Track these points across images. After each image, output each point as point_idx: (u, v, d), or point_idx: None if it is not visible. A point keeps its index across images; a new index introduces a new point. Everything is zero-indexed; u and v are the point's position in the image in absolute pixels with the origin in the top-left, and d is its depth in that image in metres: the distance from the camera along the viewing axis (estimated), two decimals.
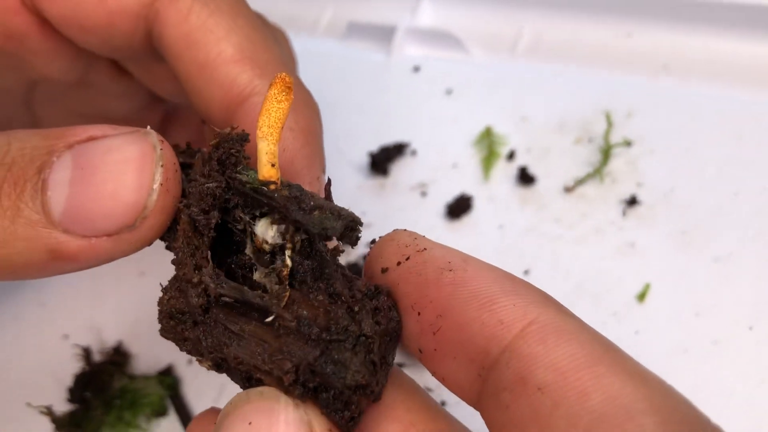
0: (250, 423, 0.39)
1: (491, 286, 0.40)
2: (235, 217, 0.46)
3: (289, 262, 0.44)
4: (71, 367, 0.82)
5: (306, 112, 0.59)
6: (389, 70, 1.02)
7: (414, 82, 0.99)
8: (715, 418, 0.68)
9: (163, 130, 0.82)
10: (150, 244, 0.47)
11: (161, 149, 0.46)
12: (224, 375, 0.74)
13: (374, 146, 0.92)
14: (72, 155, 0.44)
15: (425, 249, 0.44)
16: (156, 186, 0.45)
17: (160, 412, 0.78)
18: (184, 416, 0.77)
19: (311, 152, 0.59)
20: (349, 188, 0.90)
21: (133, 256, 0.89)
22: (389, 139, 0.93)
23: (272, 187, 0.45)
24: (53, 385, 0.82)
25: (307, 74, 1.03)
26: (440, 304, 0.41)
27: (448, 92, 0.96)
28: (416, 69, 1.00)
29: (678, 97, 0.88)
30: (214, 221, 0.45)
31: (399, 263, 0.44)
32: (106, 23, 0.57)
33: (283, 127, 0.46)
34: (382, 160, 0.90)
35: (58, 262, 0.44)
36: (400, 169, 0.90)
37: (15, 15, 0.59)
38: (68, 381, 0.81)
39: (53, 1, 0.57)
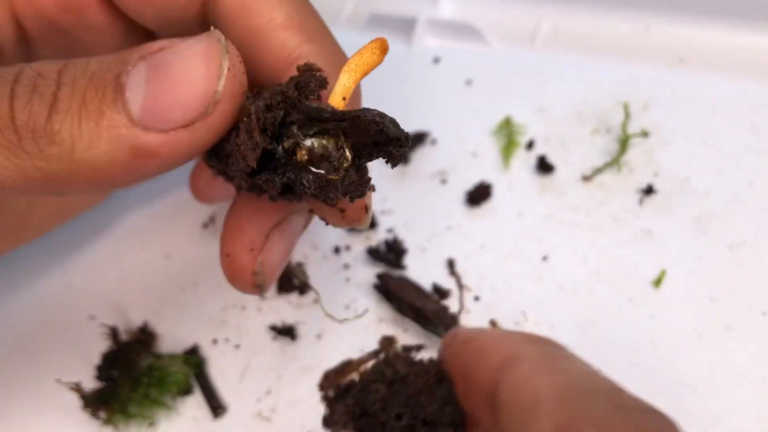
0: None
1: (490, 340, 0.47)
2: (288, 133, 0.50)
3: (349, 154, 0.49)
4: (98, 346, 0.84)
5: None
6: (410, 61, 1.03)
7: (434, 73, 1.01)
8: (727, 401, 0.69)
9: None
10: (221, 134, 0.50)
11: (225, 40, 0.49)
12: (246, 356, 0.77)
13: None
14: (146, 62, 0.48)
15: (456, 334, 0.51)
16: (224, 71, 0.48)
17: (186, 390, 0.80)
18: (209, 394, 0.79)
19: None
20: (371, 176, 0.92)
21: (157, 239, 0.92)
22: (410, 128, 0.95)
23: None
24: (81, 363, 0.84)
25: None
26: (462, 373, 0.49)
27: (468, 83, 0.98)
28: (436, 60, 1.02)
29: (694, 89, 0.89)
30: (278, 119, 0.49)
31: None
32: None
33: (365, 75, 0.51)
34: None
35: (140, 160, 0.47)
36: (420, 157, 0.92)
37: None
38: (95, 360, 0.83)
39: None
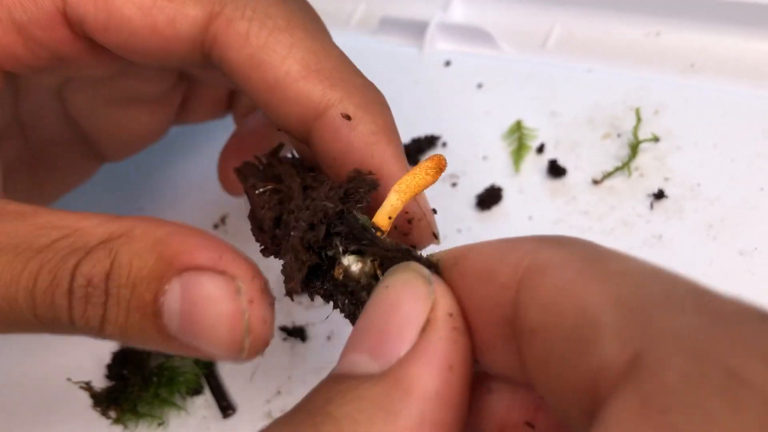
0: (387, 287, 0.42)
1: (490, 257, 0.40)
2: (332, 244, 0.50)
3: None
4: (108, 345, 0.84)
5: (384, 110, 0.60)
6: (421, 65, 1.04)
7: (445, 77, 1.01)
8: None
9: (183, 104, 0.85)
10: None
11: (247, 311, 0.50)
12: (256, 358, 0.77)
13: (406, 138, 0.94)
14: (180, 286, 0.49)
15: (438, 260, 0.46)
16: (246, 345, 0.49)
17: (196, 390, 0.80)
18: (219, 394, 0.79)
19: (396, 150, 0.60)
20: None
21: None
22: (421, 131, 0.95)
23: (378, 233, 0.49)
24: (91, 362, 0.84)
25: None
26: (461, 302, 0.42)
27: (479, 86, 0.98)
28: (448, 63, 1.02)
29: (706, 94, 0.89)
30: (321, 235, 0.50)
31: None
32: (160, 50, 0.59)
33: (415, 195, 0.51)
34: (414, 152, 0.92)
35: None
36: None
37: (65, 44, 0.60)
38: (106, 359, 0.83)
39: (107, 33, 0.58)
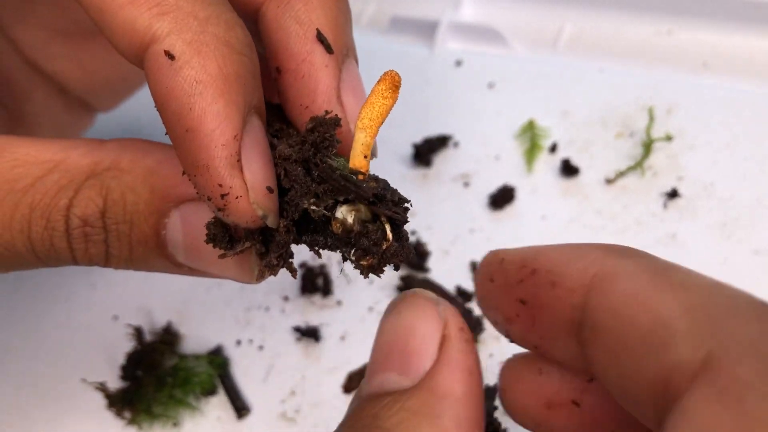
0: (399, 312, 0.46)
1: (558, 262, 0.43)
2: (320, 200, 0.49)
3: (390, 235, 0.47)
4: (122, 346, 0.84)
5: (226, 53, 0.48)
6: (432, 64, 1.04)
7: (456, 76, 1.01)
8: None
9: None
10: None
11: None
12: (270, 357, 0.77)
13: (417, 138, 0.94)
14: (180, 218, 0.50)
15: (503, 259, 0.47)
16: (256, 269, 0.51)
17: (210, 391, 0.80)
18: (233, 395, 0.79)
19: (342, 44, 0.55)
20: (394, 178, 0.91)
21: None
22: (432, 131, 0.95)
23: (360, 177, 0.47)
24: (105, 363, 0.84)
25: None
26: (527, 300, 0.45)
27: (490, 86, 0.98)
28: (458, 63, 1.02)
29: (718, 93, 0.89)
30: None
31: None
32: None
33: (381, 124, 0.47)
34: (426, 151, 0.92)
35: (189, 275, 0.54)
36: (443, 160, 0.92)
37: None
38: (119, 360, 0.83)
39: None
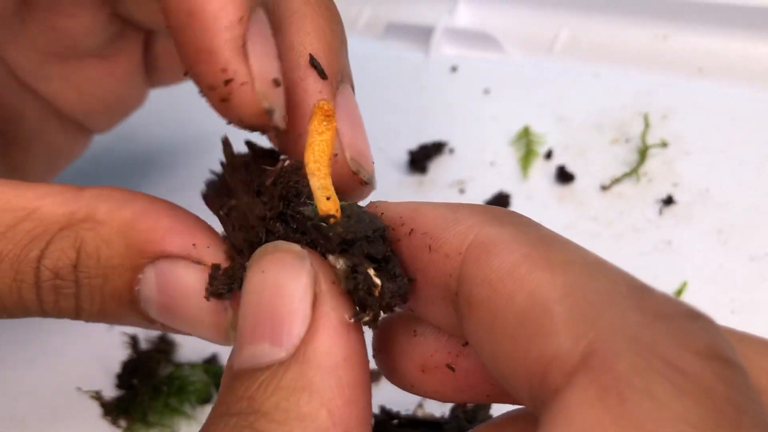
0: (263, 271, 0.42)
1: (435, 225, 0.41)
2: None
3: (377, 281, 0.43)
4: (118, 354, 0.84)
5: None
6: (427, 70, 1.04)
7: (452, 82, 1.01)
8: None
9: (148, 62, 0.78)
10: None
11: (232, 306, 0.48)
12: None
13: (413, 144, 0.94)
14: (155, 275, 0.47)
15: (382, 213, 0.45)
16: (232, 334, 0.48)
17: (206, 399, 0.80)
18: None
19: (336, 71, 0.54)
20: (389, 185, 0.92)
21: None
22: (427, 137, 0.95)
23: (332, 221, 0.44)
24: (100, 372, 0.84)
25: None
26: (404, 261, 0.43)
27: (486, 92, 0.98)
28: (454, 69, 1.02)
29: (714, 99, 0.89)
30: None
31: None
32: None
33: (331, 158, 0.44)
34: (421, 158, 0.92)
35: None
36: (438, 166, 0.92)
37: None
38: (115, 368, 0.83)
39: None
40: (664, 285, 0.76)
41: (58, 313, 0.49)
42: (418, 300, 0.43)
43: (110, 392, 0.81)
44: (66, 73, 0.74)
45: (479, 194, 0.88)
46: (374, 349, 0.48)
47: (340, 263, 0.43)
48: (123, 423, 0.79)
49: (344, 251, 0.43)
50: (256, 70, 0.45)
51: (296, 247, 0.43)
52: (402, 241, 0.43)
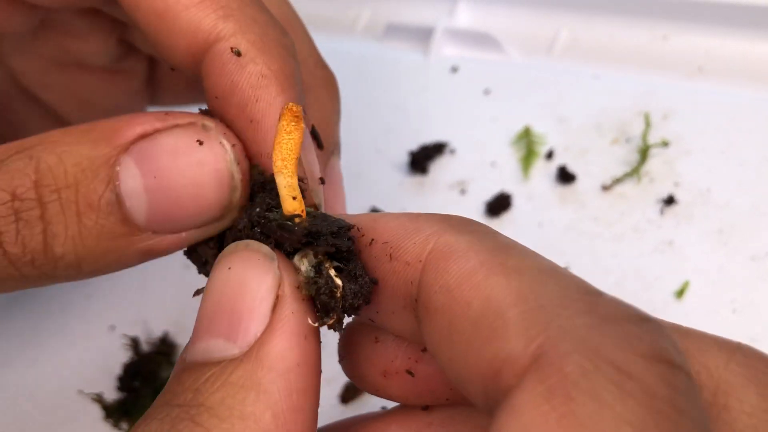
0: (229, 268, 0.42)
1: (396, 234, 0.42)
2: None
3: (338, 282, 0.43)
4: (119, 357, 0.84)
5: (284, 53, 0.52)
6: (427, 71, 1.03)
7: (452, 82, 1.01)
8: None
9: (151, 82, 0.79)
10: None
11: (231, 145, 0.47)
12: None
13: (413, 145, 0.94)
14: (134, 160, 0.44)
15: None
16: (237, 182, 0.46)
17: None
18: None
19: (331, 143, 0.58)
20: (390, 186, 0.92)
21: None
22: (428, 138, 0.95)
23: (297, 220, 0.45)
24: (102, 374, 0.84)
25: (345, 75, 1.05)
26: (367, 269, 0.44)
27: (486, 92, 0.98)
28: (454, 69, 1.02)
29: (714, 98, 0.89)
30: None
31: None
32: None
33: (298, 158, 0.45)
34: (422, 159, 0.92)
35: (150, 257, 0.47)
36: (439, 167, 0.92)
37: None
38: (116, 371, 0.83)
39: None
40: (666, 285, 0.76)
41: (22, 251, 0.43)
42: (379, 309, 0.43)
43: (112, 395, 0.82)
44: (69, 83, 0.74)
45: (480, 195, 0.88)
46: (339, 355, 0.49)
47: (304, 264, 0.43)
48: (125, 425, 0.79)
49: (309, 243, 0.43)
50: (309, 173, 0.49)
51: (266, 248, 0.43)
52: (363, 251, 0.43)
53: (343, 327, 0.44)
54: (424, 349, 0.45)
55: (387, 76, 1.05)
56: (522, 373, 0.32)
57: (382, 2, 1.12)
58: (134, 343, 0.84)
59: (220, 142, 0.46)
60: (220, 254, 0.44)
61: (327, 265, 0.43)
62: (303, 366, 0.40)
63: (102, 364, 0.85)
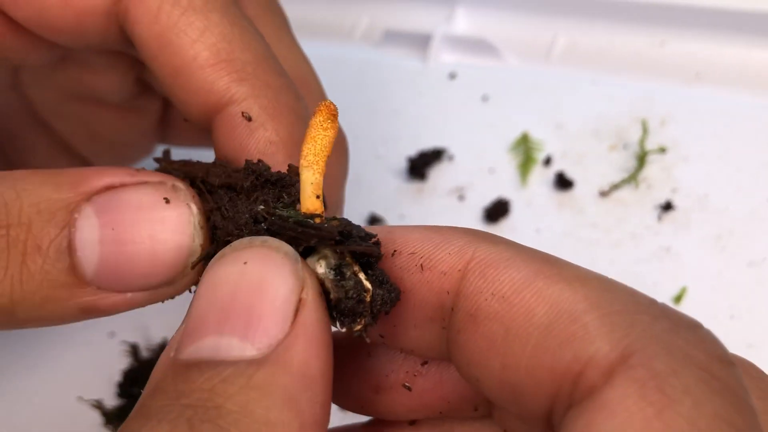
0: (245, 262, 0.40)
1: (423, 245, 0.42)
2: None
3: (368, 285, 0.42)
4: (119, 363, 0.84)
5: (293, 120, 0.53)
6: (425, 77, 1.04)
7: (450, 89, 1.01)
8: None
9: (164, 121, 0.80)
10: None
11: (198, 209, 0.45)
12: None
13: (412, 151, 0.94)
14: (94, 210, 0.43)
15: None
16: (197, 246, 0.44)
17: None
18: None
19: (334, 201, 0.58)
20: (388, 192, 0.92)
21: None
22: (426, 144, 0.95)
23: (317, 220, 0.43)
24: (101, 381, 0.84)
25: (344, 81, 1.05)
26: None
27: (484, 99, 0.98)
28: (452, 76, 1.02)
29: (711, 104, 0.89)
30: None
31: None
32: (74, 23, 0.54)
33: (328, 157, 0.44)
34: (420, 165, 0.92)
35: (90, 315, 0.45)
36: (437, 173, 0.92)
37: None
38: (116, 377, 0.83)
39: (17, 6, 0.54)
40: (664, 291, 0.76)
41: None
42: (398, 322, 0.43)
43: (111, 401, 0.82)
44: (83, 116, 0.75)
45: (478, 201, 0.88)
46: None
47: (321, 267, 0.42)
48: None
49: (339, 243, 0.42)
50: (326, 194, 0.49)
51: (287, 246, 0.41)
52: (384, 262, 0.43)
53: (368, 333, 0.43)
54: (425, 363, 0.45)
55: (385, 83, 1.05)
56: (610, 372, 0.33)
57: (381, 9, 1.13)
58: (134, 349, 0.84)
59: (187, 204, 0.45)
60: (228, 247, 0.41)
61: (356, 268, 0.42)
62: (326, 377, 0.38)
63: (102, 370, 0.85)
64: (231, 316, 0.38)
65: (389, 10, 1.12)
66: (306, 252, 0.43)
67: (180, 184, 0.45)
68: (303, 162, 0.43)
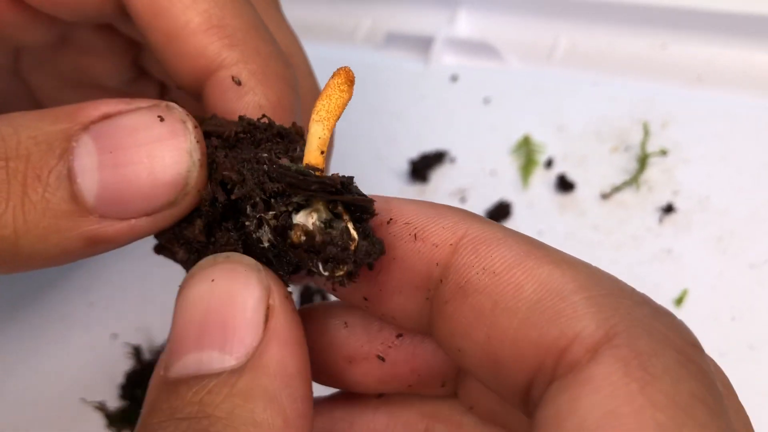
0: (213, 280, 0.41)
1: (418, 217, 0.43)
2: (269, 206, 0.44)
3: (355, 234, 0.42)
4: (121, 365, 0.84)
5: (282, 85, 0.54)
6: (427, 80, 1.04)
7: (452, 91, 1.02)
8: (752, 422, 0.69)
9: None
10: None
11: (189, 121, 0.45)
12: None
13: (414, 153, 0.94)
14: (92, 137, 0.43)
15: None
16: (196, 161, 0.44)
17: None
18: None
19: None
20: (390, 194, 0.92)
21: None
22: (428, 146, 0.95)
23: (318, 173, 0.43)
24: (104, 382, 0.84)
25: None
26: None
27: (486, 101, 0.99)
28: (454, 78, 1.03)
29: (712, 107, 0.89)
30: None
31: None
32: None
33: (338, 118, 0.44)
34: (422, 167, 0.93)
35: (96, 247, 0.44)
36: (439, 175, 0.93)
37: None
38: (118, 379, 0.84)
39: None
40: (665, 292, 0.76)
41: None
42: (383, 287, 0.44)
43: (114, 403, 0.82)
44: (81, 100, 0.75)
45: (480, 203, 0.88)
46: None
47: (312, 218, 0.43)
48: None
49: (339, 192, 0.43)
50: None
51: (249, 258, 0.43)
52: (379, 228, 0.43)
53: (353, 281, 0.43)
54: (400, 335, 0.47)
55: (387, 85, 1.06)
56: (595, 349, 0.35)
57: (383, 11, 1.13)
58: (136, 351, 0.84)
59: (182, 120, 0.45)
60: (196, 267, 0.43)
61: (346, 217, 0.43)
62: (303, 373, 0.41)
63: (104, 372, 0.85)
64: (208, 331, 0.40)
65: (391, 12, 1.12)
66: (298, 208, 0.44)
67: (174, 105, 0.46)
68: (315, 116, 0.44)
